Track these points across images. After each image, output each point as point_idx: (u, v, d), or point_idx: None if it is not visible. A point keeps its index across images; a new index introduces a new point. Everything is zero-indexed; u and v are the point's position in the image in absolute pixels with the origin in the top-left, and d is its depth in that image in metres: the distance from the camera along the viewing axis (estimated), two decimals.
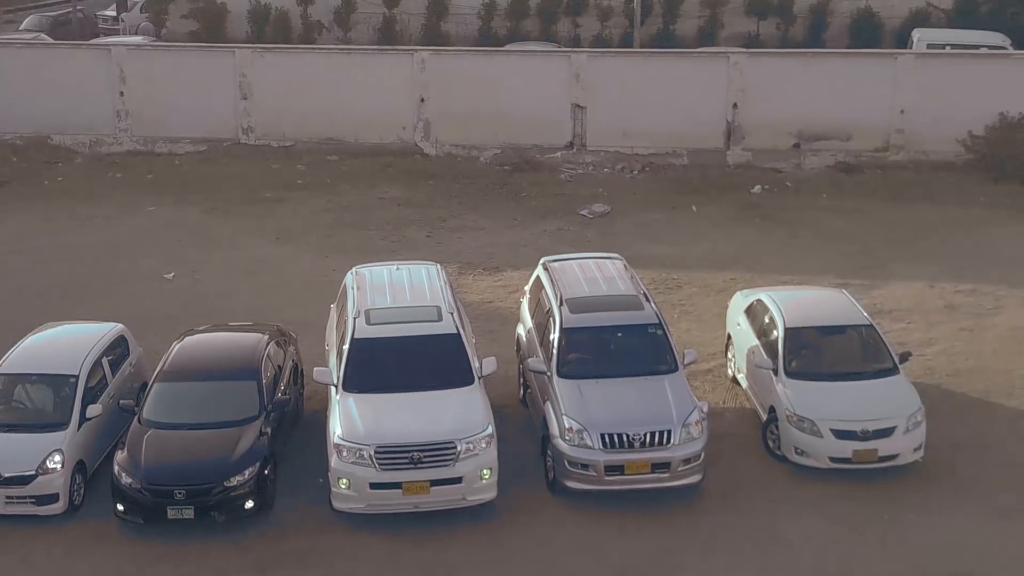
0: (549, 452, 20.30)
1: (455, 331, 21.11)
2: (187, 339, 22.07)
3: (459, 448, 19.29)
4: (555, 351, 21.00)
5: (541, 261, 24.26)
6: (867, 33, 47.64)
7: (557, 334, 21.25)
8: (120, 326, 22.80)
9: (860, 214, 33.39)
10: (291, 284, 29.12)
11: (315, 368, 21.24)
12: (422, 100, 38.36)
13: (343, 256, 30.59)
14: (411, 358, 20.72)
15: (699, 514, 19.84)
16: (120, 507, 19.28)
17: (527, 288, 24.33)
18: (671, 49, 44.65)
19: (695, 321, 26.74)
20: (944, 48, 40.96)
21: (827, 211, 33.66)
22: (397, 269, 23.63)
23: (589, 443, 19.65)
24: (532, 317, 23.18)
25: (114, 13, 57.61)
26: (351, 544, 19.21)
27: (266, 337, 21.98)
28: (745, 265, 29.75)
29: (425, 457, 19.18)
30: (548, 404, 20.60)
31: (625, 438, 19.63)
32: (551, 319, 21.77)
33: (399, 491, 19.21)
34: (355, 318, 21.31)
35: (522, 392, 23.09)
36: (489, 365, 20.97)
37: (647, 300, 22.15)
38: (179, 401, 20.45)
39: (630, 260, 29.31)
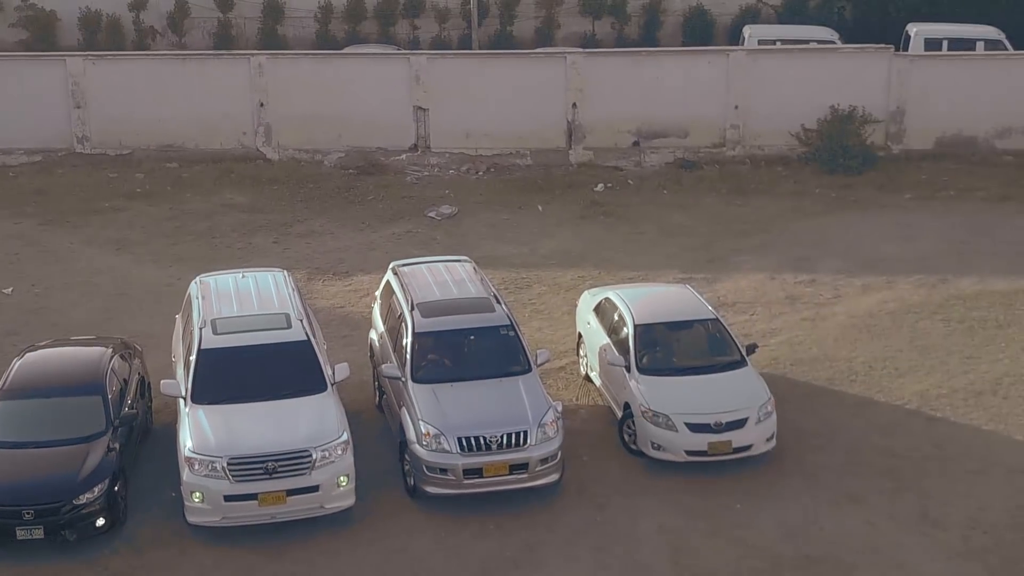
0: (407, 458, 20.25)
1: (305, 338, 20.86)
2: (28, 355, 21.56)
3: (315, 456, 19.11)
4: (409, 356, 20.92)
5: (391, 265, 24.13)
6: (700, 31, 48.42)
7: (409, 339, 21.17)
8: None
9: (700, 209, 34.02)
10: (134, 295, 28.60)
11: (162, 381, 20.80)
12: (261, 104, 37.94)
13: (187, 265, 30.11)
14: (261, 367, 20.40)
15: (558, 512, 20.03)
16: None
17: (377, 293, 24.24)
18: (510, 51, 44.87)
19: (546, 319, 26.97)
20: (775, 43, 41.89)
21: (669, 207, 34.21)
22: (243, 277, 23.20)
23: (447, 447, 19.63)
24: (384, 322, 23.07)
25: None
26: (207, 558, 18.98)
27: (110, 350, 21.59)
28: (592, 262, 30.09)
29: (280, 466, 18.97)
30: (404, 409, 20.53)
31: (482, 440, 19.65)
32: (403, 324, 21.68)
33: (255, 502, 18.96)
34: (201, 328, 20.92)
35: (378, 398, 22.99)
36: (342, 371, 20.80)
37: (498, 302, 22.20)
38: (23, 419, 19.97)
39: (479, 261, 29.44)
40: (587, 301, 24.59)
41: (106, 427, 19.84)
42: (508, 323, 21.60)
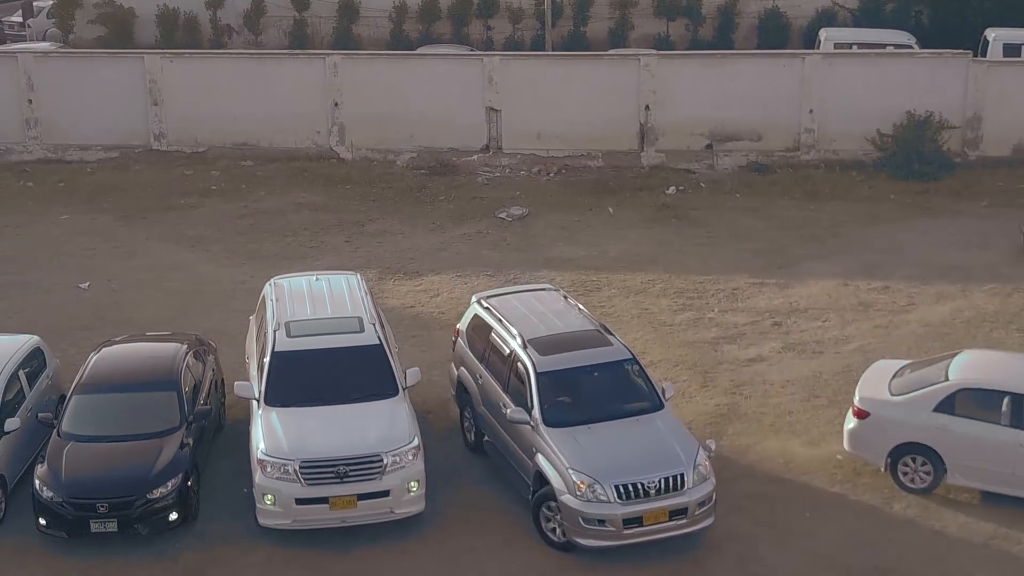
0: (549, 510, 18.99)
1: (377, 342, 20.79)
2: (104, 350, 21.81)
3: (386, 461, 19.06)
4: (536, 398, 19.55)
5: (475, 298, 23.03)
6: (775, 33, 48.17)
7: (533, 379, 19.70)
8: (36, 338, 22.48)
9: (773, 213, 33.82)
10: (207, 292, 28.89)
11: (236, 382, 20.84)
12: (336, 104, 38.22)
13: (260, 263, 30.45)
14: (334, 370, 20.34)
15: None
16: (42, 521, 19.03)
17: (462, 326, 22.77)
18: (583, 52, 44.86)
19: (615, 322, 26.82)
20: (851, 47, 41.55)
21: (740, 211, 34.04)
22: (316, 279, 23.23)
23: (604, 496, 18.41)
24: (481, 360, 21.54)
25: (20, 19, 56.67)
26: (276, 555, 19.11)
27: (185, 347, 21.78)
28: (662, 266, 30.01)
29: (352, 471, 18.94)
30: (540, 457, 19.12)
31: (640, 487, 18.49)
32: (516, 363, 20.26)
33: (326, 506, 18.95)
34: (275, 331, 20.90)
35: (469, 436, 21.88)
36: (413, 376, 20.70)
37: (609, 333, 21.12)
38: (98, 413, 20.21)
39: (549, 262, 29.71)
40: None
41: (180, 422, 20.05)
42: (630, 356, 20.58)
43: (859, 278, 29.11)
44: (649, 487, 18.51)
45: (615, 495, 18.44)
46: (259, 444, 19.36)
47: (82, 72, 39.14)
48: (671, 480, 18.62)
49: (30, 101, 38.72)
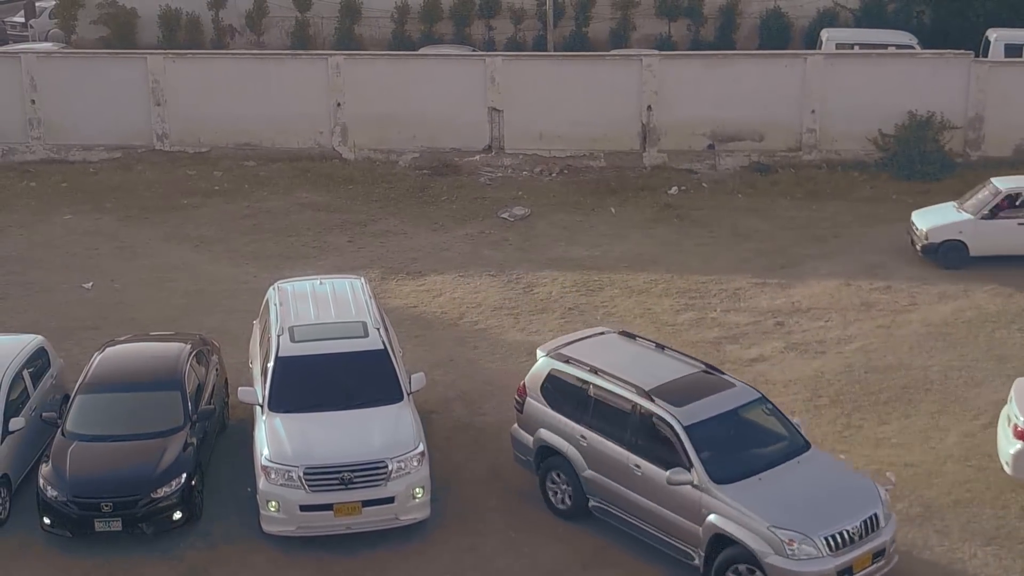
0: (739, 572, 17.53)
1: (382, 347, 20.67)
2: (108, 350, 21.87)
3: (390, 467, 18.98)
4: (693, 456, 17.93)
5: (542, 353, 20.94)
6: (776, 33, 48.14)
7: (682, 435, 18.18)
8: (40, 338, 22.56)
9: (775, 213, 33.86)
10: (210, 292, 28.95)
11: (239, 388, 20.74)
12: (338, 104, 38.27)
13: (263, 262, 30.54)
14: (338, 376, 20.28)
15: None
16: (47, 520, 19.12)
17: (529, 382, 20.66)
18: (585, 52, 44.89)
19: (618, 323, 26.93)
20: (853, 48, 41.59)
21: (742, 211, 34.08)
22: (320, 284, 23.15)
23: (814, 550, 17.05)
24: (586, 414, 19.55)
25: (22, 19, 56.72)
26: (281, 554, 19.17)
27: (188, 347, 21.83)
28: (664, 266, 30.06)
29: (356, 477, 18.86)
30: (720, 519, 17.55)
31: (846, 534, 17.32)
32: (652, 419, 18.57)
33: (330, 513, 18.90)
34: (279, 335, 20.81)
35: (563, 502, 20.16)
36: (418, 381, 20.59)
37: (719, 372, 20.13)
38: (102, 413, 20.28)
39: (551, 262, 29.80)
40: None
41: (184, 422, 20.12)
42: (760, 395, 19.43)
43: (861, 278, 29.15)
44: (853, 533, 17.44)
45: (825, 547, 17.16)
46: (263, 450, 19.27)
47: (85, 72, 39.19)
48: (869, 522, 17.68)
49: (33, 101, 38.77)
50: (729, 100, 37.39)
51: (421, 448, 19.37)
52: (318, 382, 20.19)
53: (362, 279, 23.57)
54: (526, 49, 48.32)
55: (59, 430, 20.12)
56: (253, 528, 19.47)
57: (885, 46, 41.39)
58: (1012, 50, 40.19)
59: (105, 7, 50.94)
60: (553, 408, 20.06)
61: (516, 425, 20.88)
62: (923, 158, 36.10)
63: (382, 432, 19.47)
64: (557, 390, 20.14)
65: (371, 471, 18.94)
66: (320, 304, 22.08)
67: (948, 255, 29.33)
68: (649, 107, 37.57)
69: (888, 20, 46.89)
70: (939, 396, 23.58)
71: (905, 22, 46.54)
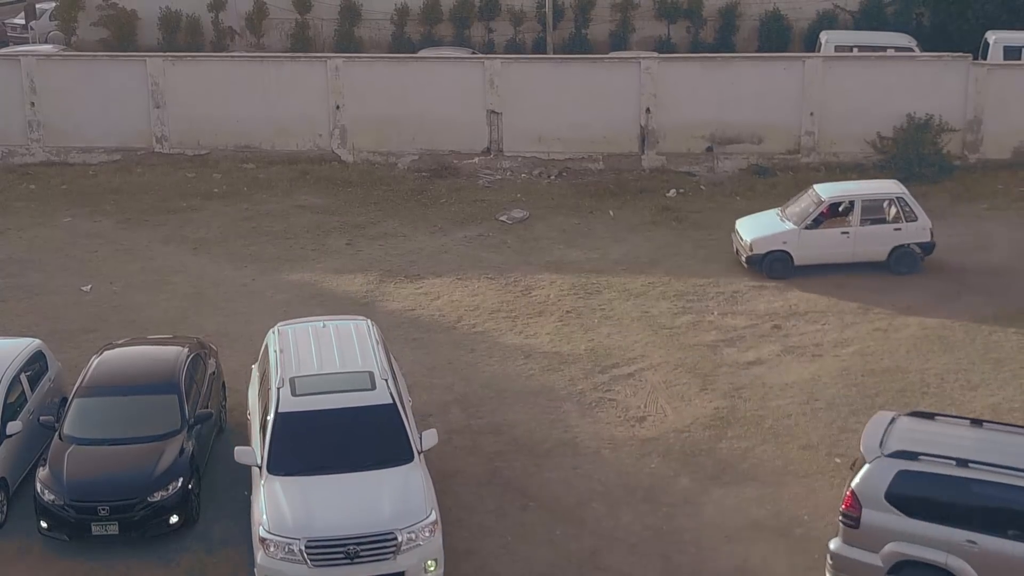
0: None
1: (391, 401, 19.26)
2: (106, 353, 21.93)
3: (400, 539, 17.69)
4: None
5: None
6: (776, 35, 48.20)
7: None
8: (38, 341, 22.61)
9: None
10: (209, 294, 28.99)
11: (236, 448, 19.32)
12: (337, 107, 38.31)
13: (262, 265, 30.60)
14: (343, 434, 18.92)
15: (618, 515, 20.06)
16: (44, 524, 19.18)
17: (877, 492, 17.62)
18: (584, 55, 44.91)
19: (615, 325, 27.01)
20: (852, 50, 41.61)
21: (741, 213, 33.96)
22: (323, 326, 21.58)
23: None
24: (968, 521, 17.18)
25: (23, 21, 56.78)
26: None
27: (186, 350, 21.87)
28: (662, 268, 30.10)
29: (362, 551, 17.60)
30: None
31: None
32: None
33: None
34: (279, 388, 19.41)
35: None
36: (430, 438, 19.21)
37: None
38: (100, 416, 20.33)
39: (550, 265, 29.87)
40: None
41: (181, 426, 20.16)
42: None
43: (857, 280, 29.16)
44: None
45: None
46: (261, 519, 18.02)
47: (84, 75, 39.23)
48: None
49: (32, 104, 38.82)
50: (728, 103, 37.42)
51: (434, 517, 18.01)
52: (321, 441, 18.89)
53: (368, 321, 22.13)
54: (526, 51, 48.37)
55: (56, 434, 20.16)
56: (249, 535, 19.49)
57: (884, 48, 41.44)
58: (1011, 52, 40.20)
59: (105, 9, 51.03)
60: (913, 516, 17.24)
61: (841, 542, 17.69)
62: (921, 161, 36.13)
63: (391, 499, 18.12)
64: (915, 494, 17.30)
65: (379, 544, 17.67)
66: (323, 350, 20.60)
67: (773, 266, 29.24)
68: (648, 109, 37.60)
69: (887, 22, 46.94)
70: (936, 399, 23.61)
71: (904, 24, 46.57)
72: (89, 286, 29.43)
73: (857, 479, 17.48)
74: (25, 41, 54.17)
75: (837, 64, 38.15)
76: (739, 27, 49.02)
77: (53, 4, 54.51)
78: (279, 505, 18.02)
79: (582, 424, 22.98)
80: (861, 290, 28.63)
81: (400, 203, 35.17)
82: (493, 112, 38.09)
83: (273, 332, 21.47)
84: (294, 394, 19.29)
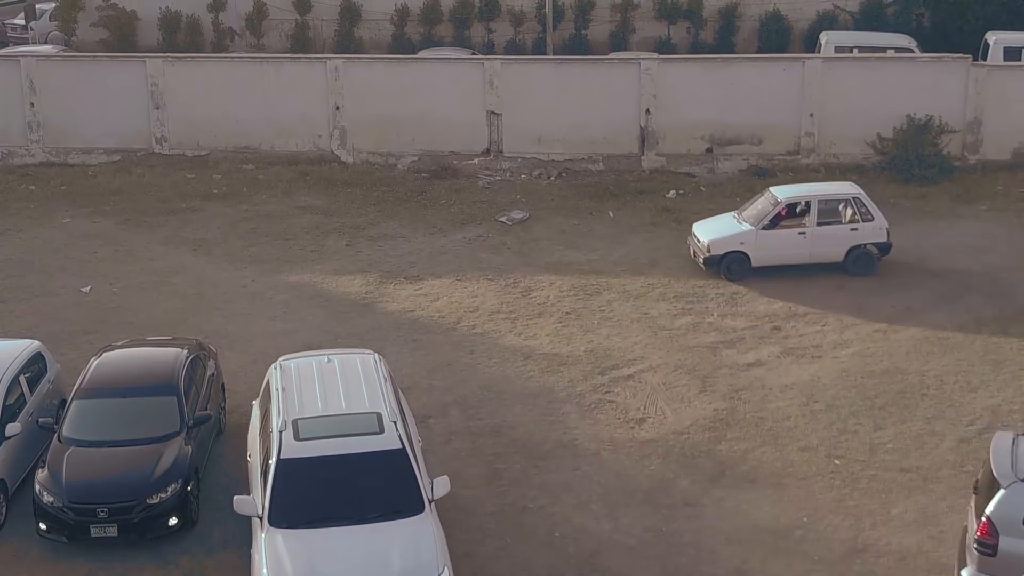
0: None
1: (400, 446, 18.17)
2: (105, 355, 21.89)
3: None
4: None
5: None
6: (776, 36, 48.23)
7: None
8: (37, 343, 22.58)
9: None
10: (209, 295, 28.97)
11: (235, 497, 18.42)
12: (337, 108, 38.29)
13: (261, 266, 30.59)
14: (349, 482, 17.87)
15: (620, 519, 20.06)
16: (43, 526, 19.17)
17: None
18: (584, 56, 44.93)
19: (615, 327, 26.99)
20: (852, 50, 41.60)
21: None
22: (328, 361, 20.45)
23: None
24: None
25: (23, 22, 56.79)
26: None
27: (185, 351, 21.85)
28: (662, 270, 30.08)
29: None
30: None
31: None
32: None
33: None
34: (281, 431, 18.31)
35: None
36: (441, 486, 18.20)
37: None
38: (99, 418, 20.31)
39: (549, 266, 29.86)
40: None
41: (180, 427, 20.14)
42: None
43: (857, 282, 29.15)
44: None
45: None
46: None
47: (84, 75, 39.21)
48: None
49: (32, 104, 38.80)
50: (728, 104, 37.40)
51: (447, 574, 17.03)
52: (326, 490, 17.83)
53: (375, 355, 21.00)
54: (526, 52, 48.38)
55: (55, 435, 20.16)
56: (249, 533, 19.46)
57: (884, 49, 41.44)
58: (1011, 53, 40.21)
59: (105, 9, 51.07)
60: None
61: (976, 571, 17.03)
62: (921, 162, 36.12)
63: (401, 554, 17.07)
64: None
65: None
66: (328, 388, 19.52)
67: (731, 267, 29.20)
68: (648, 111, 37.58)
69: (887, 23, 46.94)
70: (935, 401, 23.60)
71: (904, 25, 46.59)
72: (88, 287, 29.42)
73: (992, 506, 16.82)
74: (25, 42, 54.17)
75: (837, 65, 38.13)
76: (739, 28, 49.05)
77: (53, 5, 54.51)
78: (281, 562, 16.96)
79: (582, 426, 22.97)
80: (860, 292, 28.63)
81: (400, 204, 35.15)
82: (493, 113, 38.07)
83: (275, 368, 20.48)
84: (297, 438, 18.22)
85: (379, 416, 18.69)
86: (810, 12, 48.68)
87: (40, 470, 19.63)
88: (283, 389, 19.49)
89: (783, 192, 30.10)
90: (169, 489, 19.21)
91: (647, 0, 49.31)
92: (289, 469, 17.78)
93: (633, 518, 20.16)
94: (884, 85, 37.01)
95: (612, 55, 44.11)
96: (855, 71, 37.75)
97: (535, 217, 33.98)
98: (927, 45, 43.47)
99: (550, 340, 26.41)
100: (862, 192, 29.92)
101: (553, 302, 28.33)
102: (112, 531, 18.98)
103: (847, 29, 47.17)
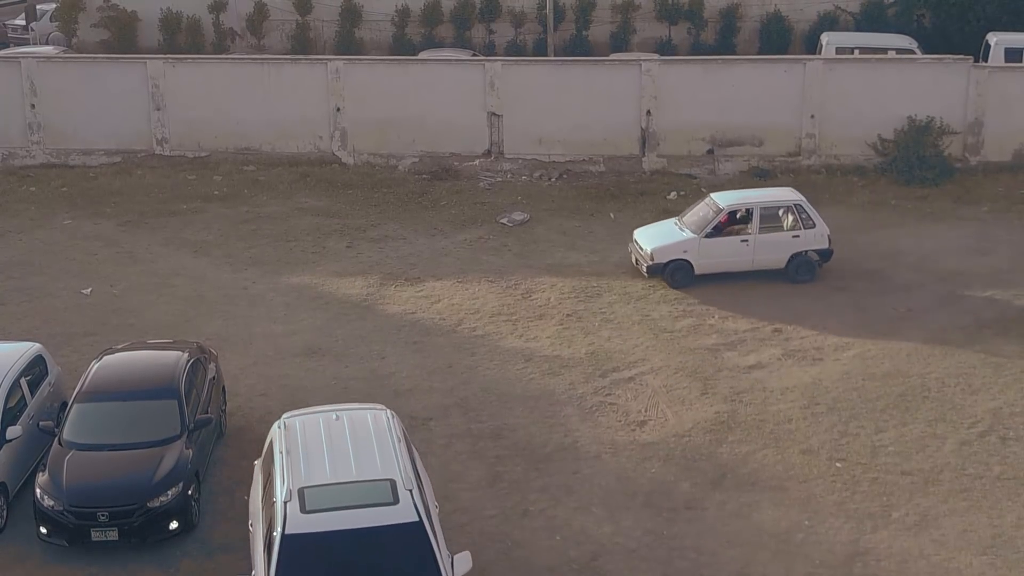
0: None
1: (416, 518, 16.60)
2: (106, 358, 21.86)
3: None
4: None
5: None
6: (777, 37, 48.19)
7: None
8: (38, 345, 22.58)
9: None
10: (210, 297, 28.95)
11: None
12: (338, 109, 38.28)
13: (262, 268, 30.57)
14: (361, 559, 16.40)
15: (620, 523, 20.05)
16: (43, 530, 19.15)
17: None
18: (584, 57, 44.91)
19: (616, 329, 26.98)
20: (853, 51, 41.57)
21: None
22: (336, 419, 18.85)
23: None
24: None
25: (24, 22, 56.78)
26: None
27: (186, 355, 21.79)
28: None
29: None
30: None
31: None
32: None
33: None
34: (286, 502, 16.81)
35: None
36: (463, 563, 16.88)
37: None
38: (99, 422, 20.28)
39: (550, 268, 29.83)
40: None
41: (181, 431, 20.10)
42: None
43: (859, 284, 29.15)
44: None
45: None
46: None
47: (85, 77, 39.20)
48: None
49: (33, 106, 38.78)
50: (729, 105, 37.38)
51: None
52: (336, 568, 16.35)
53: (388, 412, 19.37)
54: (526, 52, 48.36)
55: (56, 439, 20.13)
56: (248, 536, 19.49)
57: (885, 50, 41.40)
58: (1012, 54, 40.17)
59: (106, 10, 51.03)
60: None
61: None
62: (922, 163, 36.10)
63: None
64: None
65: None
66: (336, 451, 17.93)
67: (675, 275, 29.09)
68: (648, 112, 37.56)
69: (888, 24, 46.86)
70: (936, 404, 23.58)
71: (905, 26, 46.50)
72: (89, 289, 29.40)
73: None
74: (26, 42, 54.18)
75: (838, 66, 38.10)
76: (740, 28, 48.99)
77: (54, 5, 54.49)
78: None
79: (582, 428, 22.96)
80: (860, 293, 28.61)
81: (400, 205, 35.13)
82: (493, 114, 38.04)
83: (278, 426, 18.88)
84: (303, 510, 16.67)
85: (393, 484, 17.10)
86: (811, 13, 48.64)
87: (40, 474, 19.62)
88: (287, 452, 17.90)
89: (724, 199, 29.95)
90: (170, 493, 19.18)
91: (648, 1, 49.27)
92: (295, 546, 16.25)
93: (634, 521, 20.15)
94: (885, 86, 36.99)
95: (613, 56, 44.09)
96: (856, 72, 37.73)
97: (536, 219, 33.96)
98: (928, 46, 43.44)
99: (551, 342, 26.40)
100: (803, 198, 29.78)
101: (554, 304, 28.31)
102: (113, 535, 18.96)
103: (848, 30, 47.11)
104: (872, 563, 19.02)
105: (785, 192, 30.77)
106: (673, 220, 30.41)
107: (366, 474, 17.33)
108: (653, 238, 29.68)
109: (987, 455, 21.80)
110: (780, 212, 29.53)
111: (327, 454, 17.79)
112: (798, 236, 29.24)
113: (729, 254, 29.23)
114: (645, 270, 29.36)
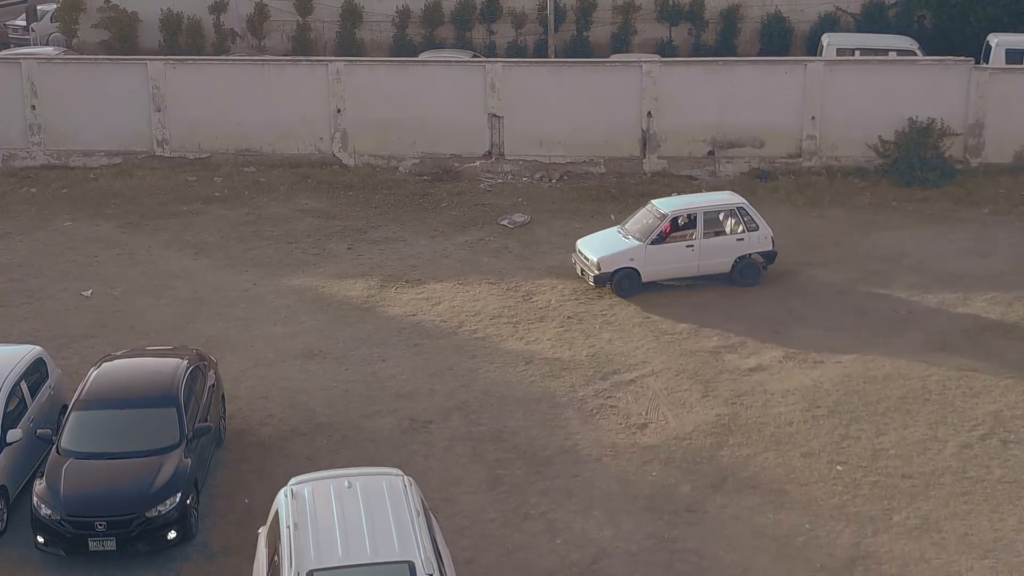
0: None
1: None
2: (104, 365, 21.71)
3: None
4: None
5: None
6: (778, 38, 48.13)
7: None
8: (38, 348, 22.54)
9: (774, 220, 33.37)
10: (210, 299, 28.92)
11: None
12: (338, 110, 38.26)
13: (263, 270, 30.54)
14: None
15: (621, 525, 20.05)
16: (41, 539, 19.02)
17: None
18: (585, 58, 44.87)
19: (616, 331, 26.96)
20: (854, 52, 41.53)
21: None
22: (348, 486, 17.21)
23: None
24: None
25: (24, 23, 56.77)
26: None
27: (185, 362, 21.62)
28: None
29: None
30: None
31: None
32: None
33: None
34: None
35: None
36: None
37: None
38: (98, 430, 20.13)
39: (551, 270, 29.80)
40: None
41: (180, 439, 19.95)
42: None
43: (860, 285, 29.12)
44: None
45: None
46: None
47: (85, 78, 39.19)
48: None
49: (33, 107, 38.77)
50: (729, 106, 37.35)
51: None
52: None
53: (404, 478, 17.76)
54: (527, 53, 48.33)
55: (54, 447, 20.02)
56: (249, 543, 19.40)
57: (886, 51, 41.37)
58: (1013, 55, 40.13)
59: (106, 11, 50.98)
60: None
61: None
62: (923, 164, 36.07)
63: None
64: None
65: None
66: (349, 525, 16.38)
67: (622, 283, 28.88)
68: (649, 113, 37.53)
69: (889, 25, 46.83)
70: (937, 406, 23.55)
71: (906, 27, 46.48)
72: (90, 291, 29.39)
73: None
74: (26, 43, 54.19)
75: (839, 68, 38.06)
76: (740, 29, 48.92)
77: (54, 6, 54.48)
78: None
79: (583, 431, 22.94)
80: (860, 295, 28.59)
81: (401, 207, 35.12)
82: (494, 116, 38.02)
83: (285, 494, 17.16)
84: None
85: (412, 567, 15.60)
86: (812, 14, 48.56)
87: (38, 482, 19.50)
88: (295, 525, 16.26)
89: (667, 205, 29.80)
90: (168, 502, 19.05)
91: (648, 2, 49.22)
92: None
93: (635, 524, 20.13)
94: (886, 88, 36.95)
95: (613, 57, 44.08)
96: (857, 74, 37.70)
97: (536, 220, 33.95)
98: (929, 47, 43.41)
99: (552, 345, 26.38)
100: (745, 201, 29.70)
101: (555, 306, 28.29)
102: (110, 545, 18.83)
103: (849, 31, 47.05)
104: (873, 567, 18.99)
105: (727, 195, 30.70)
106: (616, 228, 30.19)
107: (382, 555, 15.77)
108: (598, 247, 29.36)
109: (988, 458, 21.77)
110: (723, 216, 29.44)
111: (339, 530, 16.22)
112: (742, 239, 29.15)
113: (675, 260, 29.06)
114: (592, 280, 29.04)
